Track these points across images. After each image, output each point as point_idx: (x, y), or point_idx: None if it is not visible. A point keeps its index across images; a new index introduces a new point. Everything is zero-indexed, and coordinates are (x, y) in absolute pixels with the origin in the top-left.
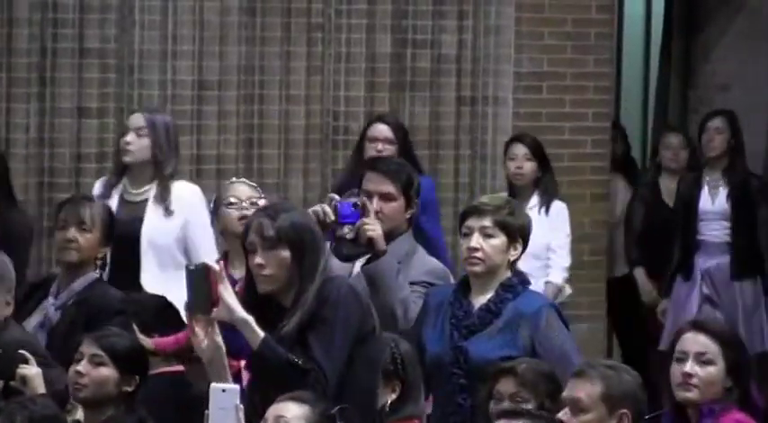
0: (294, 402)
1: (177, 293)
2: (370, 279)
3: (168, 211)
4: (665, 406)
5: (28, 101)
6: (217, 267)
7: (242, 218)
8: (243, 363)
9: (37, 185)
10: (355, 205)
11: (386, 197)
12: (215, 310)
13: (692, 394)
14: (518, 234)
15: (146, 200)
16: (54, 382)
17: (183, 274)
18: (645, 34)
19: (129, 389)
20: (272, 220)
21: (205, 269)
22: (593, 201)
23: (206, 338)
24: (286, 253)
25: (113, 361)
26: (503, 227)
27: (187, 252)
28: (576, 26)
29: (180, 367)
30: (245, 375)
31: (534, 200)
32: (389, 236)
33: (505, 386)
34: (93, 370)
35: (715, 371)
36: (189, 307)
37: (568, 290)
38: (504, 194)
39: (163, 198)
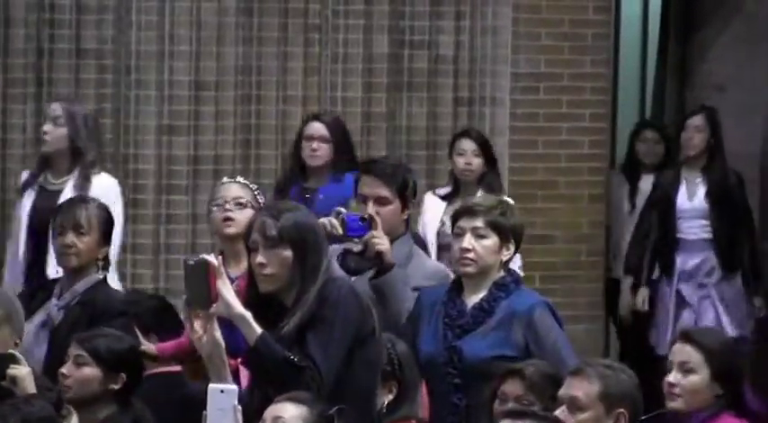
0: (292, 403)
1: None
2: (378, 291)
3: None
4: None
5: (25, 101)
6: (215, 262)
7: (226, 219)
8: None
9: None
10: (363, 219)
11: (381, 201)
12: (214, 305)
13: (675, 403)
14: (510, 234)
15: (62, 190)
16: None
17: None
18: (642, 35)
19: (116, 387)
20: (275, 219)
21: (204, 264)
22: (591, 201)
23: (205, 334)
24: (288, 252)
25: (96, 360)
26: (495, 227)
27: None
28: (573, 27)
29: (176, 367)
30: (243, 373)
31: (479, 196)
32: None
33: (512, 387)
34: (77, 371)
35: (698, 379)
36: (188, 302)
37: None
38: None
39: (81, 188)
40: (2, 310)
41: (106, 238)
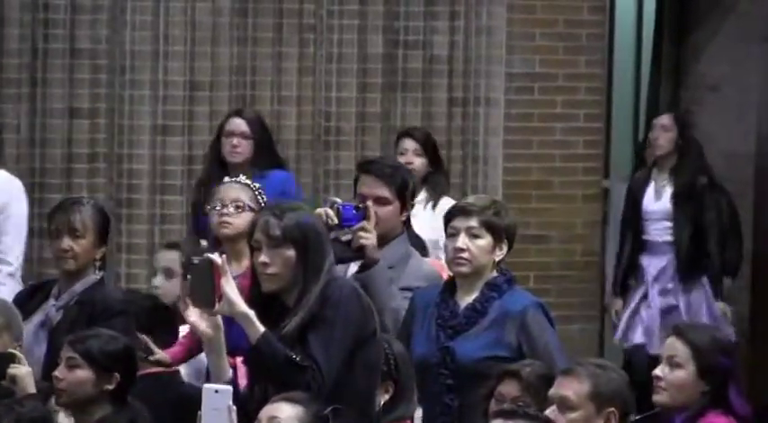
0: (287, 403)
1: None
2: (362, 286)
3: None
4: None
5: (19, 101)
6: (219, 261)
7: (221, 223)
8: (239, 359)
9: (28, 186)
10: (357, 208)
11: (380, 201)
12: (218, 305)
13: (660, 397)
14: (504, 234)
15: None
16: None
17: None
18: (636, 35)
19: (110, 387)
20: (279, 219)
21: (209, 263)
22: (586, 201)
23: (205, 320)
24: (291, 252)
25: (88, 362)
26: (489, 227)
27: None
28: (568, 27)
29: (171, 368)
30: (241, 373)
31: (422, 195)
32: (384, 239)
33: (508, 388)
34: (69, 373)
35: (683, 374)
36: (192, 301)
37: None
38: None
39: None
40: (1, 318)
41: (102, 238)
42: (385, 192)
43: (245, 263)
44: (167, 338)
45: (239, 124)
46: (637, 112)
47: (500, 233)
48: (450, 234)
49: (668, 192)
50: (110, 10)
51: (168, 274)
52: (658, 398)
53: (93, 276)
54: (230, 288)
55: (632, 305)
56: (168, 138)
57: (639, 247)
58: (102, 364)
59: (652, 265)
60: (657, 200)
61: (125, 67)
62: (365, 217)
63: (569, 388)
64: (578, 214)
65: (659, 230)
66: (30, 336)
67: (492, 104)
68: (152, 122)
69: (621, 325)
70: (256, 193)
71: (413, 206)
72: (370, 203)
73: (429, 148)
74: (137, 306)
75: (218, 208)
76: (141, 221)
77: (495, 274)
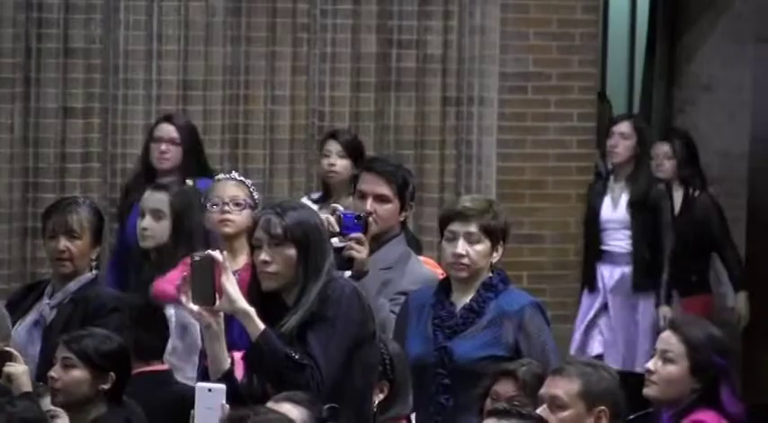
0: (291, 403)
1: None
2: None
3: None
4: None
5: (13, 101)
6: (220, 258)
7: (222, 220)
8: (237, 354)
9: (22, 185)
10: (358, 217)
11: (381, 199)
12: (218, 302)
13: (650, 390)
14: (501, 236)
15: None
16: None
17: None
18: (630, 35)
19: (106, 387)
20: (280, 217)
21: (210, 260)
22: (579, 201)
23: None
24: (292, 251)
25: (83, 362)
26: (487, 232)
27: None
28: (562, 27)
29: (162, 366)
30: (239, 365)
31: (349, 200)
32: (382, 238)
33: (504, 388)
34: (65, 374)
35: (675, 370)
36: (192, 297)
37: None
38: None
39: None
40: None
41: (97, 238)
42: (385, 190)
43: (242, 259)
44: (158, 337)
45: (168, 130)
46: (630, 112)
47: (497, 236)
48: (448, 238)
49: (624, 200)
50: (103, 9)
51: (156, 215)
52: (649, 391)
53: (87, 274)
54: (231, 285)
55: (590, 315)
56: None
57: (598, 256)
58: (98, 363)
59: (611, 275)
60: (615, 208)
61: (119, 67)
62: (365, 227)
63: (559, 387)
64: (572, 214)
65: (618, 240)
66: (24, 335)
67: (485, 104)
68: (146, 122)
69: (577, 336)
70: (251, 189)
71: (412, 207)
72: (369, 204)
73: (354, 151)
74: (129, 304)
75: (217, 206)
76: None
77: (490, 274)
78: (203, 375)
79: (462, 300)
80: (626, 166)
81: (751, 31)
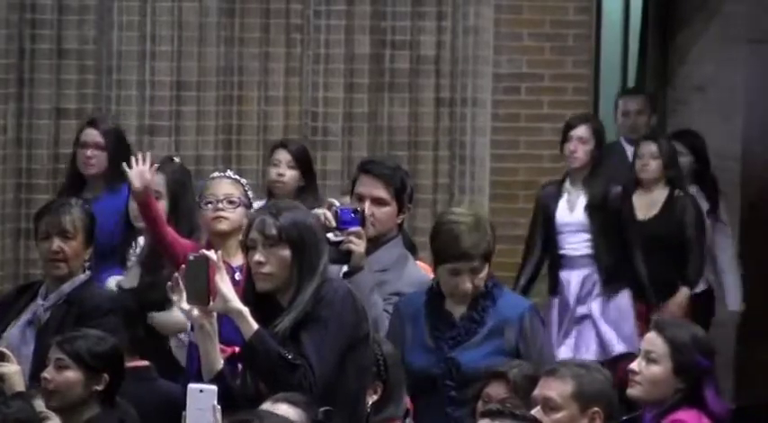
0: (287, 404)
1: None
2: None
3: None
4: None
5: (6, 102)
6: (215, 258)
7: (216, 218)
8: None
9: (14, 186)
10: (355, 211)
11: (378, 201)
12: (212, 302)
13: (634, 391)
14: (491, 254)
15: None
16: None
17: None
18: (623, 36)
19: (99, 388)
20: (275, 218)
21: (204, 260)
22: None
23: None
24: (287, 252)
25: (77, 363)
26: (486, 258)
27: None
28: (555, 27)
29: (144, 362)
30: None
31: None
32: (378, 241)
33: (496, 390)
34: (58, 375)
35: (658, 370)
36: (186, 297)
37: None
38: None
39: None
40: None
41: (90, 238)
42: (383, 192)
43: (236, 259)
44: (152, 337)
45: (93, 135)
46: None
47: (491, 256)
48: (453, 273)
49: (581, 204)
50: (97, 10)
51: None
52: (632, 391)
53: (81, 276)
54: (225, 285)
55: (555, 320)
56: (155, 138)
57: (556, 262)
58: (91, 364)
59: (572, 279)
60: (571, 212)
61: (112, 68)
62: (362, 221)
63: (553, 388)
64: None
65: (577, 243)
66: (17, 335)
67: (479, 105)
68: (139, 123)
69: (562, 349)
70: (245, 187)
71: (409, 209)
72: (366, 207)
73: (303, 161)
74: (123, 305)
75: (211, 204)
76: None
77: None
78: (196, 375)
79: (458, 309)
80: (583, 169)
81: (743, 32)
